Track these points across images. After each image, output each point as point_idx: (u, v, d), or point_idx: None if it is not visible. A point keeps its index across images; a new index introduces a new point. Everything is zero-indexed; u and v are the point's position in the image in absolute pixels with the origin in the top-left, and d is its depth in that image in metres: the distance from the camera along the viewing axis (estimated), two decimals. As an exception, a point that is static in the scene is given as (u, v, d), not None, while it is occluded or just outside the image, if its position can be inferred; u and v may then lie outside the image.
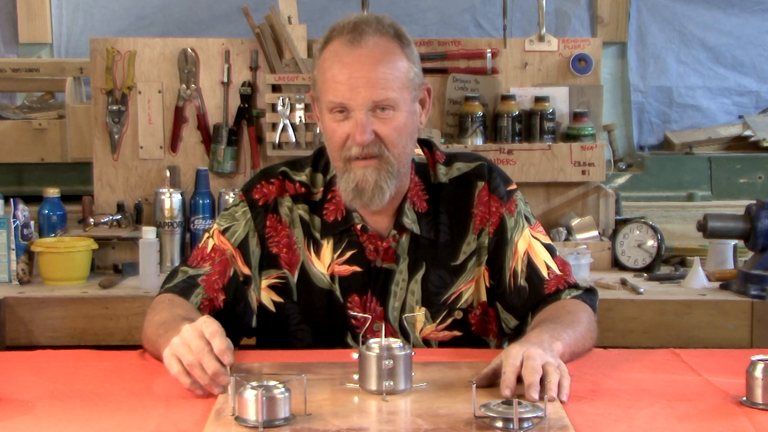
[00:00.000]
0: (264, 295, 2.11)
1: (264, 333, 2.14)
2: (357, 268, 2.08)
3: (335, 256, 2.09)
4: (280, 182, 2.12)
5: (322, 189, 2.11)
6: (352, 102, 1.95)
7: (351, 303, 2.08)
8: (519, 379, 1.67)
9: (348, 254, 2.08)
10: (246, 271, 2.08)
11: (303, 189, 2.12)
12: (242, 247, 2.09)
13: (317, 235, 2.09)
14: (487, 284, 2.11)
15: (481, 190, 2.11)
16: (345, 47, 1.97)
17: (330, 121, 1.99)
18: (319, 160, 2.13)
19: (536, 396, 1.62)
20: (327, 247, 2.09)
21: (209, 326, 1.73)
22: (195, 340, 1.71)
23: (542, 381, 1.67)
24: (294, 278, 2.10)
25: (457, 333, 2.10)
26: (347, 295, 2.08)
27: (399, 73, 1.97)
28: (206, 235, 2.14)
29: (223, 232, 2.10)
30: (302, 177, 2.12)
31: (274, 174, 2.13)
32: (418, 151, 2.13)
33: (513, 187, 2.15)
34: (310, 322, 2.10)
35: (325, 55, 1.99)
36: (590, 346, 1.99)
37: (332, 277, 2.08)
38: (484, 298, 2.11)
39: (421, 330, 2.09)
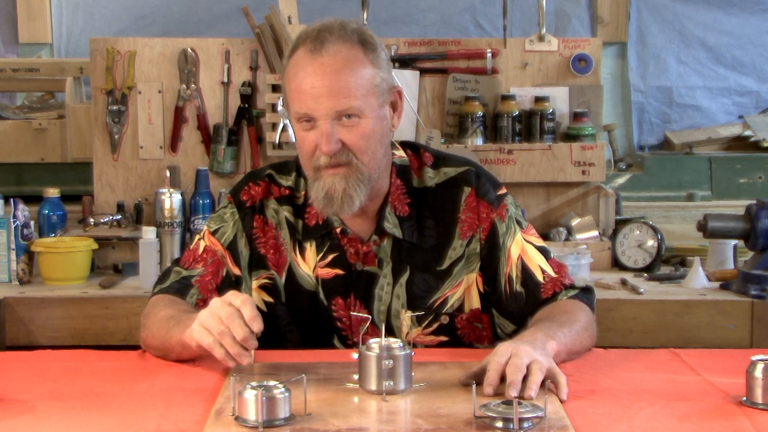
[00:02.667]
0: (255, 295, 2.11)
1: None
2: (339, 271, 2.09)
3: (318, 259, 2.09)
4: (267, 184, 2.13)
5: (303, 193, 2.12)
6: (315, 112, 1.95)
7: (335, 305, 2.09)
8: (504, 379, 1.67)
9: (330, 257, 2.09)
10: (236, 271, 2.10)
11: (287, 192, 2.12)
12: (231, 248, 2.10)
13: (300, 238, 2.10)
14: (481, 290, 2.11)
15: (467, 195, 2.10)
16: (307, 56, 1.96)
17: (298, 131, 2.00)
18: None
19: (514, 394, 1.62)
20: (310, 249, 2.10)
21: (238, 296, 1.78)
22: (224, 308, 1.75)
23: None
24: (282, 279, 2.11)
25: (443, 338, 2.10)
26: (330, 297, 2.09)
27: (363, 81, 1.96)
28: (197, 236, 2.15)
29: (213, 233, 2.11)
30: (288, 182, 2.13)
31: (260, 176, 2.15)
32: (401, 153, 2.13)
33: (503, 191, 2.14)
34: (298, 323, 2.11)
35: (290, 65, 1.99)
36: (589, 345, 1.99)
37: (317, 279, 2.09)
38: (477, 304, 2.11)
39: (407, 334, 2.08)
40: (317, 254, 2.09)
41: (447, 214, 2.10)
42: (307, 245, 2.10)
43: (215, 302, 1.79)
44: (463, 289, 2.10)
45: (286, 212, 2.11)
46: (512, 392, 1.63)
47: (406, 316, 2.07)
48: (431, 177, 2.11)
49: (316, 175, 2.00)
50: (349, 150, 1.97)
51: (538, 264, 2.08)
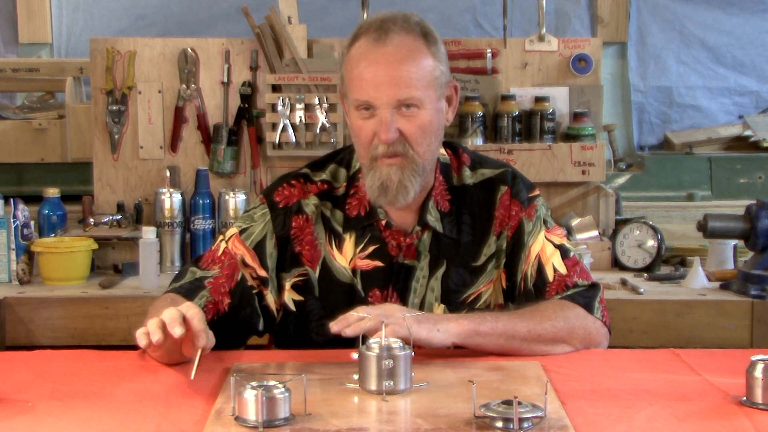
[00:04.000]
0: (287, 295, 2.12)
1: (283, 331, 2.15)
2: (379, 263, 2.09)
3: (357, 250, 2.10)
4: (302, 185, 2.13)
5: (344, 184, 2.13)
6: (377, 100, 1.97)
7: (372, 297, 2.09)
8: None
9: (370, 249, 2.10)
10: (262, 273, 2.09)
11: (325, 186, 2.13)
12: (258, 248, 2.10)
13: (339, 230, 2.11)
14: (503, 286, 2.13)
15: (503, 194, 2.13)
16: (371, 45, 1.98)
17: (356, 119, 2.01)
18: (343, 155, 2.15)
19: (334, 329, 1.84)
20: (349, 241, 2.10)
21: (190, 308, 1.79)
22: (172, 313, 1.76)
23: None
24: (316, 273, 2.11)
25: None
26: (368, 289, 2.09)
27: (424, 72, 1.98)
28: (220, 237, 2.15)
29: (241, 233, 2.11)
30: (323, 176, 2.14)
31: (295, 177, 2.15)
32: (443, 151, 2.15)
33: (535, 193, 2.17)
34: (332, 317, 2.09)
35: (352, 53, 2.02)
36: (562, 338, 1.98)
37: (354, 271, 2.10)
38: (501, 300, 2.13)
39: None
40: (356, 246, 2.10)
41: (484, 212, 2.12)
42: (346, 236, 2.11)
43: (167, 311, 1.78)
44: (493, 285, 2.12)
45: (323, 207, 2.12)
46: (333, 327, 1.85)
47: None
48: (469, 177, 2.14)
49: (372, 165, 2.02)
50: (406, 140, 1.99)
51: (552, 263, 2.09)
